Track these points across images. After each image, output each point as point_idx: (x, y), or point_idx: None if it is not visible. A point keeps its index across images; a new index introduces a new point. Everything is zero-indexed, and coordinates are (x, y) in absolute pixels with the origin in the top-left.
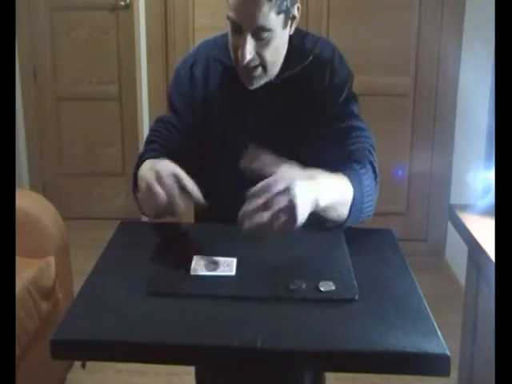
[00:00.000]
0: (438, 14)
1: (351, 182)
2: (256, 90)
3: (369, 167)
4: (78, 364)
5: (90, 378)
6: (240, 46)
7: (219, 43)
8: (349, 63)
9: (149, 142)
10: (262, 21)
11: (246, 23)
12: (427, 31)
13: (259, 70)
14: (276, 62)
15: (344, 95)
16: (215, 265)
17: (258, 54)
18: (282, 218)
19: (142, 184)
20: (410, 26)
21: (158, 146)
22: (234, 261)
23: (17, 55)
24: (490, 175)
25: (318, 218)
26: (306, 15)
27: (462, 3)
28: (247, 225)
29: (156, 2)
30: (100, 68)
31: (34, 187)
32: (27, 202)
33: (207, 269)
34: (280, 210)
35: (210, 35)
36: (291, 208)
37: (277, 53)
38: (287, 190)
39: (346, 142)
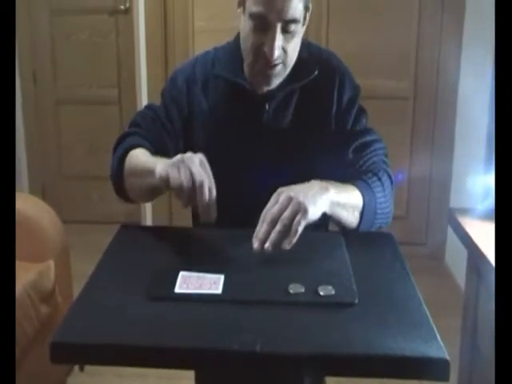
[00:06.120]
0: (437, 17)
1: (360, 190)
2: (263, 104)
3: (386, 178)
4: (77, 367)
5: (90, 381)
6: (267, 43)
7: (217, 58)
8: (349, 67)
9: (134, 124)
10: (293, 11)
11: (278, 15)
12: (427, 35)
13: (280, 66)
14: (293, 59)
15: (355, 111)
16: (201, 282)
17: (284, 49)
18: (292, 216)
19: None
20: (410, 29)
21: (140, 130)
22: (221, 278)
23: (17, 58)
24: (490, 179)
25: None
26: None
27: (461, 7)
28: (270, 247)
29: (155, 6)
30: (100, 71)
31: (33, 191)
32: (27, 205)
33: (192, 287)
34: (289, 213)
35: (210, 38)
36: (295, 203)
37: (296, 49)
38: (277, 197)
39: (362, 159)
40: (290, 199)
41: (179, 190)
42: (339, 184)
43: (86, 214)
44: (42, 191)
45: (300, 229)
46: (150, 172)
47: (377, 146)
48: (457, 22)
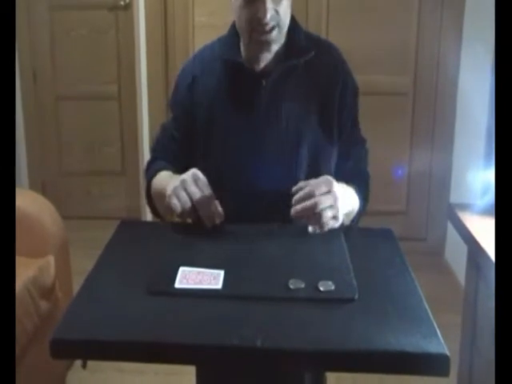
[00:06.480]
0: (437, 13)
1: (359, 199)
2: (260, 80)
3: (367, 187)
4: (78, 363)
5: (90, 377)
6: (259, 9)
7: (215, 47)
8: (349, 62)
9: (153, 149)
10: None
11: None
12: (427, 30)
13: (275, 31)
14: (286, 22)
15: (355, 113)
16: (202, 277)
17: (276, 11)
18: (328, 215)
19: (170, 183)
20: (410, 24)
21: (161, 155)
22: (221, 273)
23: (16, 54)
24: (490, 174)
25: None
26: (305, 14)
27: (461, 2)
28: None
29: (155, 2)
30: (100, 67)
31: (33, 186)
32: (27, 201)
33: (192, 282)
34: (325, 209)
35: (210, 34)
36: (334, 208)
37: (287, 11)
38: (329, 192)
39: (361, 169)
40: (333, 199)
41: (183, 214)
42: (354, 193)
43: (85, 210)
44: (41, 187)
45: (326, 230)
46: (164, 198)
47: (367, 156)
48: (457, 17)
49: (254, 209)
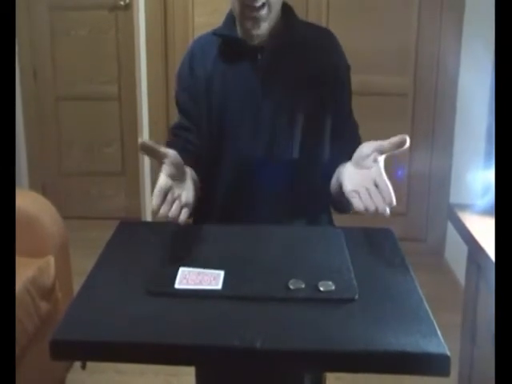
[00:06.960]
0: (437, 13)
1: None
2: (256, 54)
3: None
4: (77, 364)
5: (90, 378)
6: None
7: (214, 30)
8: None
9: None
10: None
11: None
12: (427, 31)
13: (265, 9)
14: (276, 2)
15: (348, 89)
16: (201, 277)
17: None
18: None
19: None
20: (410, 25)
21: None
22: (221, 274)
23: (16, 55)
24: (490, 175)
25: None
26: (305, 15)
27: (461, 3)
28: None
29: (155, 2)
30: (99, 68)
31: (33, 187)
32: (27, 201)
33: (192, 282)
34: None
35: None
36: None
37: None
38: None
39: (355, 141)
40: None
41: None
42: None
43: (85, 210)
44: (41, 187)
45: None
46: None
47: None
48: (457, 18)
49: (252, 179)
